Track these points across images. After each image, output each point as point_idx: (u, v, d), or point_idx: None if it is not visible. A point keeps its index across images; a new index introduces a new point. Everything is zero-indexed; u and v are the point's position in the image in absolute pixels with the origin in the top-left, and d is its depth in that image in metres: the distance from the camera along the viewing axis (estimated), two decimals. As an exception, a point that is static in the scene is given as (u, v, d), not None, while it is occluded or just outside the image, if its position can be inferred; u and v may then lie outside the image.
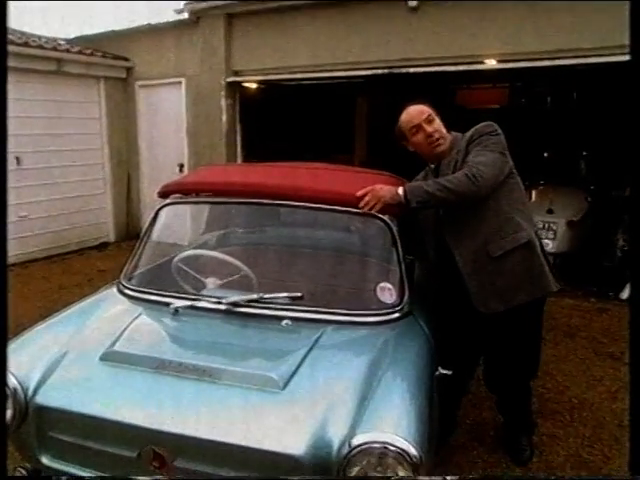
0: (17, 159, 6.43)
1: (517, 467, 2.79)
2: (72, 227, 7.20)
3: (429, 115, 2.41)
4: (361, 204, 2.29)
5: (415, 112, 2.44)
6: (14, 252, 6.45)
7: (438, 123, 2.43)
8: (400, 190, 2.27)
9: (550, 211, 5.78)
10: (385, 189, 2.29)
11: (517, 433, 2.88)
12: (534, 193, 6.31)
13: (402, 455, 1.58)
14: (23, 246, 6.59)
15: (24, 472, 2.00)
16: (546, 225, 5.73)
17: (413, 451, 1.58)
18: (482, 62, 5.62)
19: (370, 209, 2.28)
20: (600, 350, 4.23)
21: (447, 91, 9.56)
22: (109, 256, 6.91)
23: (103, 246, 7.56)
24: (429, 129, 2.41)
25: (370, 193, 2.29)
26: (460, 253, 2.40)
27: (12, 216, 6.41)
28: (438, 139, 2.42)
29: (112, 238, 7.77)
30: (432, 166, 2.54)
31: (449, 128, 2.51)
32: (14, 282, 5.82)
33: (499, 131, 2.37)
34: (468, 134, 2.39)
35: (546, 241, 5.71)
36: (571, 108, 8.72)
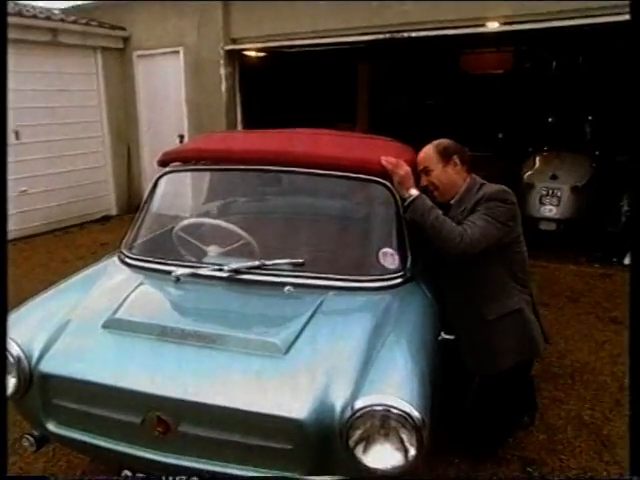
0: (16, 133, 6.37)
1: (519, 430, 2.82)
2: (73, 201, 7.17)
3: (425, 168, 2.39)
4: (384, 162, 2.30)
5: (418, 160, 2.44)
6: (16, 227, 6.46)
7: (435, 175, 2.37)
8: (413, 191, 2.27)
9: (554, 177, 5.71)
10: (409, 174, 2.29)
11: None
12: (538, 159, 6.25)
13: (405, 417, 1.58)
14: (25, 221, 6.59)
15: (31, 439, 2.03)
16: (550, 191, 5.67)
17: (416, 413, 1.59)
18: (485, 25, 5.48)
19: (384, 171, 2.29)
20: (603, 315, 4.23)
21: (450, 57, 9.38)
22: (111, 229, 6.90)
23: (105, 219, 7.55)
24: (423, 181, 2.43)
25: (398, 165, 2.29)
26: (456, 311, 2.41)
27: (12, 191, 6.38)
28: (432, 191, 2.42)
29: (114, 211, 7.75)
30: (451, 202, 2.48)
31: (470, 171, 2.43)
32: (17, 256, 5.84)
33: (512, 200, 2.31)
34: (480, 193, 2.32)
35: (549, 207, 5.68)
36: (577, 72, 8.56)
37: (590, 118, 6.86)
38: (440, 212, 2.25)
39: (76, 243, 6.41)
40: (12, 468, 2.58)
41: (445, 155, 2.37)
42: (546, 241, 5.81)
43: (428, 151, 2.41)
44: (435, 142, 2.44)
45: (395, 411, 1.58)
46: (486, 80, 9.29)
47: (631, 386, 1.84)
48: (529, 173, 6.02)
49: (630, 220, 5.47)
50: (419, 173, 2.42)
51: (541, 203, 5.69)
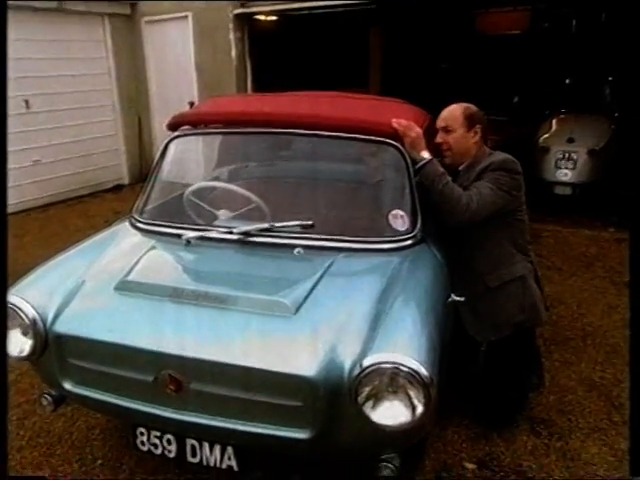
0: (26, 102, 6.37)
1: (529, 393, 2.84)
2: (86, 170, 7.19)
3: (447, 126, 2.37)
4: (395, 124, 2.27)
5: (442, 115, 2.42)
6: (30, 197, 6.53)
7: (454, 136, 2.36)
8: (426, 154, 2.24)
9: (570, 140, 5.60)
10: (420, 136, 2.26)
11: None
12: (554, 122, 6.11)
13: (413, 375, 1.59)
14: (38, 190, 6.64)
15: (50, 399, 2.09)
16: (566, 155, 5.57)
17: (424, 371, 1.60)
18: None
19: (395, 132, 2.27)
20: (617, 279, 4.19)
21: (466, 18, 9.11)
22: (124, 198, 6.92)
23: (118, 188, 7.58)
24: (438, 139, 2.41)
25: (409, 127, 2.26)
26: (459, 279, 2.38)
27: (25, 161, 6.43)
28: (445, 150, 2.40)
29: (126, 180, 7.77)
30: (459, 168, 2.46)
31: (485, 141, 2.43)
32: (31, 226, 5.92)
33: (517, 170, 2.32)
34: (489, 160, 2.32)
35: (565, 171, 5.58)
36: (599, 31, 8.27)
37: (610, 79, 6.66)
38: (450, 179, 2.24)
39: (89, 212, 6.46)
40: (33, 427, 2.67)
41: (470, 121, 2.36)
42: (561, 206, 5.74)
43: (455, 111, 2.38)
44: (464, 105, 2.41)
45: (404, 368, 1.59)
46: (502, 41, 9.02)
47: (631, 386, 1.84)
48: (545, 136, 5.90)
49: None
50: (438, 129, 2.41)
51: (557, 167, 5.60)
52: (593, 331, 3.46)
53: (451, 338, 2.15)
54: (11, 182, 6.19)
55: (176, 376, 1.74)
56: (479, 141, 2.39)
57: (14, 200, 6.28)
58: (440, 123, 2.40)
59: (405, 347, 1.65)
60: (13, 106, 6.19)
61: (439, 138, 2.41)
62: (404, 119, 2.30)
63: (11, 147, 6.13)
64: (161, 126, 7.46)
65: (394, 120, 2.28)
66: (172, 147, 2.61)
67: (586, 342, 3.33)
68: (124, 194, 7.26)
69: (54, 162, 6.79)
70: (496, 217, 2.27)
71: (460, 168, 2.42)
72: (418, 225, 2.24)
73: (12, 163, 6.20)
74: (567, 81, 6.95)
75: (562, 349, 3.25)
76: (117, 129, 7.61)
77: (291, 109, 2.47)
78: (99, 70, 7.27)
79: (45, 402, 2.11)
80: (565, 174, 5.57)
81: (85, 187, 7.20)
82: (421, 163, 2.23)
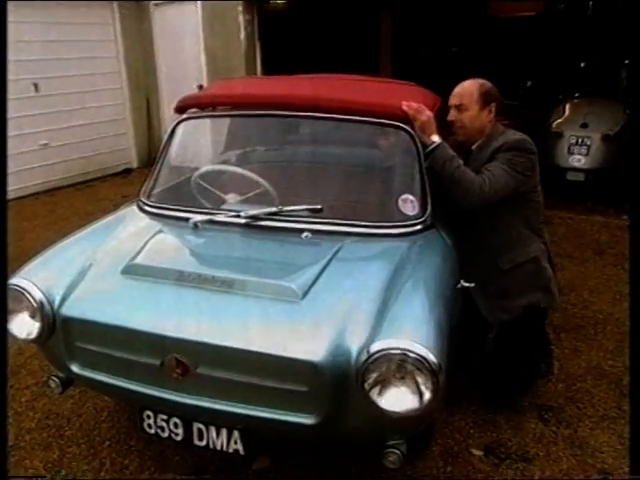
0: (35, 85, 6.36)
1: (538, 379, 2.81)
2: (95, 154, 7.19)
3: (461, 104, 2.30)
4: (405, 107, 2.23)
5: (455, 92, 2.35)
6: (39, 180, 6.55)
7: (468, 115, 2.29)
8: (435, 138, 2.20)
9: (584, 125, 5.50)
10: (431, 119, 2.22)
11: None
12: (568, 107, 6.00)
13: (421, 361, 1.57)
14: (47, 174, 6.65)
15: (57, 381, 2.10)
16: (579, 140, 5.48)
17: (432, 358, 1.58)
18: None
19: (405, 115, 2.23)
20: (628, 267, 4.13)
21: (479, 2, 8.94)
22: (132, 182, 6.91)
23: (126, 172, 7.57)
24: (450, 117, 2.35)
25: (419, 108, 2.22)
26: (471, 261, 2.34)
27: (33, 144, 6.43)
28: (457, 128, 2.35)
29: (135, 164, 7.75)
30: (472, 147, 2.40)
31: (500, 118, 2.38)
32: (40, 210, 5.95)
33: (532, 149, 2.26)
34: (502, 139, 2.26)
35: (578, 157, 5.49)
36: (616, 14, 8.07)
37: (627, 62, 6.51)
38: (461, 162, 2.20)
39: (98, 196, 6.47)
40: (42, 409, 2.69)
41: (486, 99, 2.30)
42: (573, 192, 5.65)
43: (470, 88, 2.31)
44: (479, 81, 2.33)
45: (411, 355, 1.57)
46: (515, 24, 8.85)
47: (631, 386, 1.81)
48: (558, 121, 5.80)
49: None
50: (450, 106, 2.35)
51: (569, 152, 5.51)
52: (604, 319, 3.42)
53: (460, 323, 2.13)
54: (20, 165, 6.23)
55: (182, 360, 1.74)
56: (493, 119, 2.34)
57: (23, 184, 6.31)
58: (454, 101, 2.33)
59: (413, 333, 1.63)
60: (22, 89, 6.20)
61: (452, 116, 2.34)
62: (414, 102, 2.26)
63: (20, 130, 6.18)
64: (170, 110, 7.40)
65: (404, 103, 2.24)
66: (179, 130, 2.58)
67: (597, 330, 3.30)
68: (133, 178, 7.25)
69: (63, 145, 6.79)
70: (509, 198, 2.23)
71: (473, 147, 2.37)
72: (428, 210, 2.21)
73: (21, 146, 6.24)
74: (582, 65, 6.81)
75: (572, 336, 3.22)
76: (126, 113, 7.58)
77: (299, 91, 2.43)
78: (108, 53, 7.23)
79: (53, 384, 2.12)
80: (578, 160, 5.49)
81: (94, 171, 7.20)
82: (432, 147, 2.19)
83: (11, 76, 5.88)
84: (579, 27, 8.13)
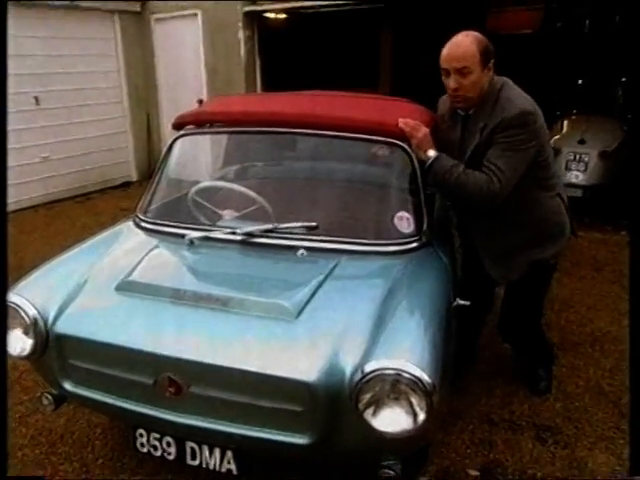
0: (36, 99, 6.40)
1: (535, 397, 2.79)
2: (94, 167, 7.21)
3: (464, 67, 2.07)
4: (401, 124, 2.21)
5: (454, 54, 2.10)
6: (39, 193, 6.57)
7: (472, 79, 2.09)
8: (431, 153, 2.17)
9: (582, 141, 5.52)
10: (427, 136, 2.19)
11: (534, 367, 2.88)
12: (566, 123, 6.04)
13: (415, 382, 1.57)
14: (47, 187, 6.67)
15: (50, 398, 2.08)
16: (577, 156, 5.49)
17: (427, 378, 1.57)
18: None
19: (402, 133, 2.22)
20: (627, 284, 4.11)
21: (476, 17, 9.01)
22: (131, 195, 6.92)
23: (125, 185, 7.59)
24: (453, 84, 2.13)
25: (415, 127, 2.20)
26: (474, 225, 2.37)
27: (34, 157, 6.46)
28: (459, 97, 2.18)
29: (134, 177, 7.78)
30: (461, 113, 2.30)
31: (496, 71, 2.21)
32: (39, 222, 5.95)
33: (532, 120, 2.11)
34: (498, 113, 2.12)
35: (576, 173, 5.51)
36: (612, 32, 8.15)
37: (623, 80, 6.56)
38: (462, 167, 2.15)
39: (97, 209, 6.48)
40: (35, 425, 2.67)
41: (487, 57, 2.10)
42: (571, 208, 5.64)
43: (471, 48, 2.07)
44: (474, 35, 2.11)
45: (406, 375, 1.57)
46: (514, 41, 8.92)
47: (631, 386, 1.80)
48: (556, 137, 5.82)
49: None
50: (450, 70, 2.11)
51: (567, 169, 5.53)
52: (602, 337, 3.40)
53: (456, 341, 2.12)
54: (20, 178, 6.25)
55: (175, 379, 1.73)
56: (492, 75, 2.17)
57: (22, 196, 6.33)
58: (454, 64, 2.09)
59: (408, 353, 1.63)
60: (23, 102, 6.24)
61: (454, 83, 2.12)
62: (411, 119, 2.26)
63: (20, 143, 6.21)
64: (169, 123, 7.45)
65: (401, 120, 2.23)
66: (177, 146, 2.59)
67: (594, 348, 3.28)
68: (132, 191, 7.27)
69: (63, 159, 6.82)
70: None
71: (469, 113, 2.24)
72: (424, 227, 2.21)
73: (21, 159, 6.26)
74: (579, 82, 6.86)
75: (570, 354, 3.20)
76: (126, 126, 7.62)
77: (295, 109, 2.44)
78: (109, 67, 7.29)
79: (46, 402, 2.10)
80: (576, 176, 5.50)
81: (93, 184, 7.22)
82: (429, 161, 2.18)
83: (12, 89, 5.92)
84: (576, 45, 8.20)
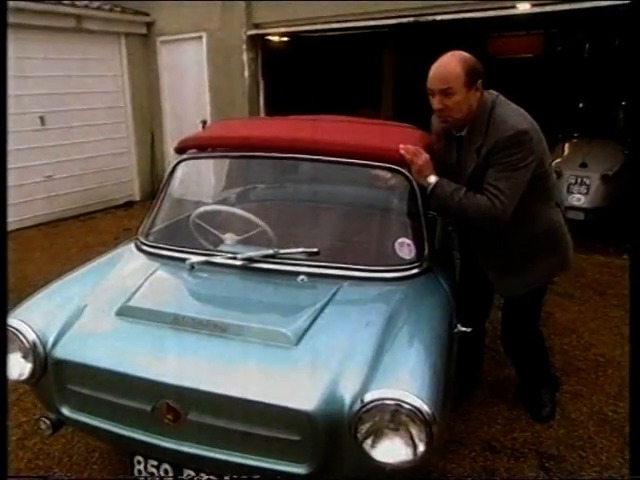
0: (41, 119, 6.46)
1: (538, 424, 2.76)
2: (98, 186, 7.26)
3: (448, 88, 2.07)
4: (402, 151, 2.20)
5: (438, 76, 2.10)
6: (42, 212, 6.60)
7: (456, 100, 2.09)
8: (432, 179, 2.17)
9: (583, 165, 5.54)
10: (427, 163, 2.18)
11: (537, 388, 2.86)
12: (567, 146, 6.07)
13: (415, 413, 1.55)
14: (50, 206, 6.71)
15: (48, 422, 2.06)
16: (578, 179, 5.51)
17: (426, 409, 1.55)
18: (514, 7, 5.30)
19: (402, 159, 2.21)
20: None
21: (478, 41, 9.13)
22: (134, 215, 6.96)
23: (128, 205, 7.63)
24: (438, 105, 2.13)
25: (416, 152, 2.20)
26: (476, 242, 2.38)
27: (37, 176, 6.52)
28: (444, 117, 2.19)
29: (137, 197, 7.83)
30: (455, 133, 2.30)
31: (486, 88, 2.23)
32: (43, 241, 5.97)
33: (528, 138, 2.09)
34: (492, 134, 2.11)
35: (578, 196, 5.52)
36: (612, 56, 8.24)
37: (624, 103, 6.61)
38: (463, 190, 2.14)
39: (99, 228, 6.50)
40: (32, 448, 2.64)
41: (472, 77, 2.08)
42: (573, 231, 5.64)
43: (455, 70, 2.06)
44: (459, 55, 2.10)
45: (405, 406, 1.55)
46: (514, 64, 9.03)
47: (631, 386, 1.78)
48: (557, 161, 5.85)
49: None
50: (435, 91, 2.11)
51: (569, 192, 5.54)
52: (605, 362, 3.37)
53: (457, 368, 2.11)
54: (24, 197, 6.30)
55: (174, 406, 1.71)
56: (480, 96, 2.15)
57: (26, 215, 6.37)
58: (437, 85, 2.08)
59: (407, 383, 1.61)
60: (28, 122, 6.32)
61: (439, 104, 2.11)
62: (411, 145, 2.27)
63: (25, 163, 6.27)
64: (173, 143, 7.50)
65: (401, 147, 2.23)
66: (179, 170, 2.61)
67: (598, 374, 3.25)
68: (135, 210, 7.30)
69: (66, 178, 6.86)
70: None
71: (463, 133, 2.24)
72: (425, 254, 2.21)
73: (25, 178, 6.32)
74: (580, 105, 6.91)
75: (573, 380, 3.17)
76: (130, 146, 7.69)
77: (295, 134, 2.45)
78: (114, 88, 7.38)
79: (44, 426, 2.08)
80: (578, 199, 5.51)
81: (96, 203, 7.26)
82: (430, 188, 2.18)
83: (18, 109, 6.03)
84: (577, 68, 8.29)
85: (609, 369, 3.28)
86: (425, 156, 2.22)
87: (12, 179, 5.98)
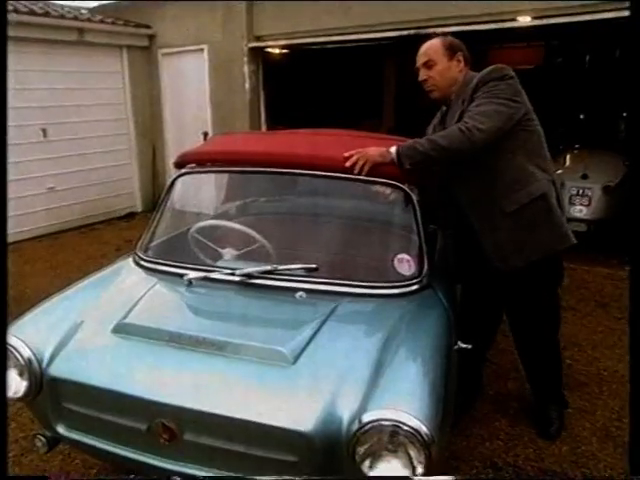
0: (43, 131, 6.49)
1: (541, 440, 2.72)
2: (99, 198, 7.27)
3: (428, 60, 2.31)
4: (347, 164, 2.20)
5: (420, 52, 2.36)
6: (44, 223, 6.61)
7: (438, 69, 2.30)
8: (392, 149, 2.19)
9: (585, 176, 5.53)
10: (373, 149, 2.22)
11: (547, 403, 2.80)
12: (568, 157, 6.06)
13: (414, 434, 1.52)
14: (52, 217, 6.71)
15: (43, 440, 2.04)
16: (580, 191, 5.49)
17: (425, 430, 1.52)
18: (515, 19, 5.31)
19: (360, 172, 2.20)
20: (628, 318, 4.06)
21: (478, 52, 9.16)
22: (136, 226, 6.97)
23: (130, 216, 7.63)
24: (421, 76, 2.35)
25: (357, 154, 2.21)
26: (473, 213, 2.31)
27: (40, 188, 6.53)
28: (429, 87, 2.35)
29: (139, 208, 7.84)
30: (443, 108, 2.45)
31: (471, 67, 2.38)
32: (44, 253, 5.97)
33: (509, 74, 2.20)
34: (475, 80, 2.24)
35: (580, 207, 5.50)
36: (613, 66, 8.26)
37: (625, 114, 6.61)
38: (425, 137, 2.19)
39: (101, 240, 6.50)
40: (29, 465, 2.61)
41: (451, 50, 2.31)
42: (575, 243, 5.62)
43: (434, 44, 2.33)
44: (439, 36, 2.37)
45: (404, 427, 1.52)
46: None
47: (631, 386, 1.76)
48: (559, 172, 5.83)
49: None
50: (419, 67, 2.35)
51: (571, 203, 5.52)
52: (609, 376, 3.33)
53: (457, 384, 2.08)
54: (25, 208, 6.31)
55: (169, 425, 1.69)
56: (464, 68, 2.33)
57: (28, 226, 6.38)
58: (420, 59, 2.34)
59: (406, 403, 1.58)
60: (31, 134, 6.34)
61: (423, 75, 2.35)
62: None
63: (27, 174, 6.29)
64: (174, 155, 7.50)
65: (345, 155, 2.21)
66: (178, 184, 2.61)
67: (602, 388, 3.21)
68: (136, 222, 7.31)
69: (68, 189, 6.88)
70: (507, 130, 2.14)
71: (451, 98, 2.35)
72: (424, 269, 2.19)
73: (27, 190, 6.33)
74: (581, 116, 6.91)
75: (576, 395, 3.13)
76: (131, 158, 7.71)
77: (295, 149, 2.44)
78: (116, 100, 7.41)
79: (39, 443, 2.06)
80: (580, 210, 5.49)
81: (98, 214, 7.27)
82: (395, 152, 2.17)
83: (20, 121, 6.07)
84: (577, 80, 8.29)
85: (613, 384, 3.24)
86: (368, 148, 2.21)
87: (14, 191, 6.01)
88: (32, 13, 6.05)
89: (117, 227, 7.15)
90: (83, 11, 7.41)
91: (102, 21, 6.98)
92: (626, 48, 7.97)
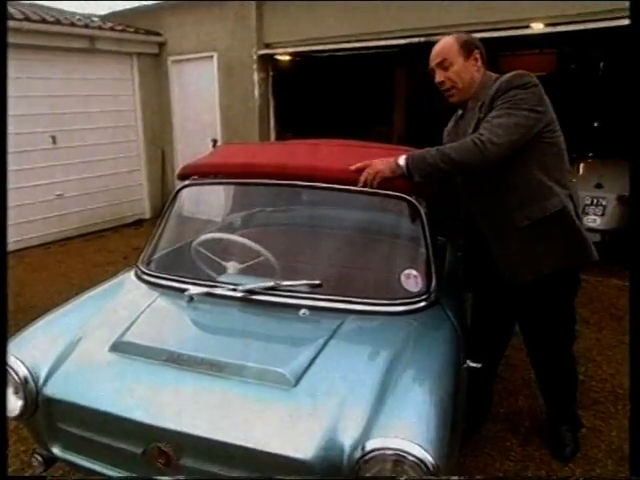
0: (53, 138, 6.50)
1: (554, 461, 2.63)
2: (108, 205, 7.27)
3: (444, 60, 2.16)
4: (359, 184, 2.12)
5: (434, 52, 2.21)
6: (52, 230, 6.61)
7: (455, 70, 2.15)
8: (401, 161, 2.09)
9: (599, 185, 5.42)
10: (383, 161, 2.12)
11: (561, 423, 2.70)
12: (582, 166, 5.95)
13: (418, 464, 1.45)
14: (60, 224, 6.72)
15: (40, 459, 1.99)
16: (594, 200, 5.39)
17: (430, 459, 1.45)
18: (528, 26, 5.23)
19: (370, 186, 2.12)
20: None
21: (490, 59, 9.07)
22: (144, 233, 6.93)
23: (138, 223, 7.62)
24: (438, 77, 2.20)
25: (366, 167, 2.13)
26: (485, 223, 2.23)
27: (48, 195, 6.54)
28: (448, 89, 2.20)
29: (147, 215, 7.82)
30: (459, 112, 2.33)
31: (488, 67, 2.25)
32: (51, 260, 5.96)
33: (532, 81, 2.05)
34: (495, 85, 2.10)
35: (594, 217, 5.40)
36: (627, 73, 8.12)
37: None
38: (436, 147, 2.08)
39: (108, 247, 6.48)
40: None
41: (467, 48, 2.17)
42: (596, 259, 5.51)
43: (448, 42, 2.18)
44: (453, 35, 2.22)
45: (409, 457, 1.45)
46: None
47: (631, 386, 1.68)
48: (572, 181, 5.74)
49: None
50: (434, 68, 2.20)
51: (585, 213, 5.41)
52: (624, 394, 3.21)
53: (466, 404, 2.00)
54: (34, 215, 6.33)
55: (165, 450, 1.63)
56: (481, 67, 2.19)
57: (36, 233, 6.39)
58: (435, 60, 2.19)
59: (411, 430, 1.51)
60: (40, 142, 6.36)
61: (440, 77, 2.19)
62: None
63: (36, 181, 6.31)
64: (183, 162, 7.46)
65: (352, 168, 2.14)
66: (181, 196, 2.57)
67: (617, 407, 3.10)
68: (144, 229, 7.29)
69: (77, 196, 6.88)
70: (523, 144, 2.02)
71: (468, 102, 2.21)
72: (432, 286, 2.11)
73: (35, 197, 6.35)
74: (595, 124, 6.80)
75: (590, 414, 3.03)
76: (141, 164, 7.71)
77: (298, 161, 2.38)
78: (125, 107, 7.42)
79: (36, 463, 2.01)
80: (594, 220, 5.38)
81: (106, 221, 7.26)
82: (405, 163, 2.08)
83: (29, 129, 6.10)
84: (591, 87, 8.17)
85: (628, 402, 3.14)
86: (375, 160, 2.14)
87: (23, 197, 6.04)
88: (43, 21, 6.07)
89: (125, 234, 7.13)
90: (94, 19, 7.45)
91: (112, 29, 7.00)
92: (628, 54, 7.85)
